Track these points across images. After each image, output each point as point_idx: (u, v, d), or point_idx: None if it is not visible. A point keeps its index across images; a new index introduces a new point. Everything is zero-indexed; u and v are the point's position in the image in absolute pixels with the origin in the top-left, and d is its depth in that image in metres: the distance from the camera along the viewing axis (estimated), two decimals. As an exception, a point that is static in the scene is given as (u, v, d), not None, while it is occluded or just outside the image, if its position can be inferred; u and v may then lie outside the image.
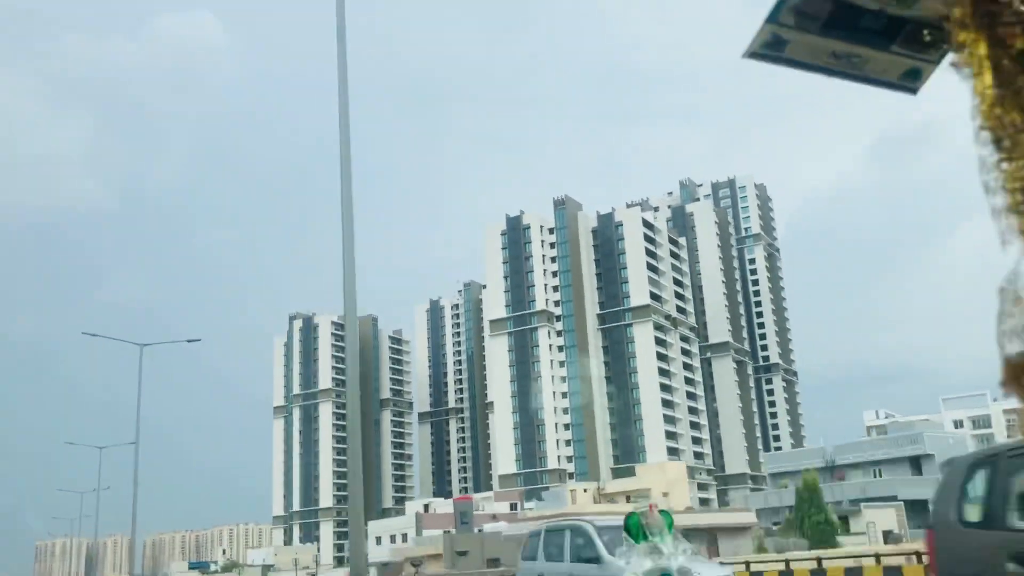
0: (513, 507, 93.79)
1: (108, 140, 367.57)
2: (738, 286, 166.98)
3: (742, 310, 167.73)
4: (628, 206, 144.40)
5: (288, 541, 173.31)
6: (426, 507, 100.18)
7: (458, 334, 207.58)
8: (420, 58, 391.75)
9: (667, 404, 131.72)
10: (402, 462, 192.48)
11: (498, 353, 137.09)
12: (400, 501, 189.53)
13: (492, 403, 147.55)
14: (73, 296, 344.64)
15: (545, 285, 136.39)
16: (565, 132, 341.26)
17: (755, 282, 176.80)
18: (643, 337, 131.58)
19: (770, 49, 1.69)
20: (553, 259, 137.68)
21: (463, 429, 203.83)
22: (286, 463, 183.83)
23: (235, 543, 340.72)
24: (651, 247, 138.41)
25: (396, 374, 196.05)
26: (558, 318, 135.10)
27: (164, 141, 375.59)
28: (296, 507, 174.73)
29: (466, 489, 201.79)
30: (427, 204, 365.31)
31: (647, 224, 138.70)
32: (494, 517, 76.23)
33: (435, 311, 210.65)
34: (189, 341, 44.18)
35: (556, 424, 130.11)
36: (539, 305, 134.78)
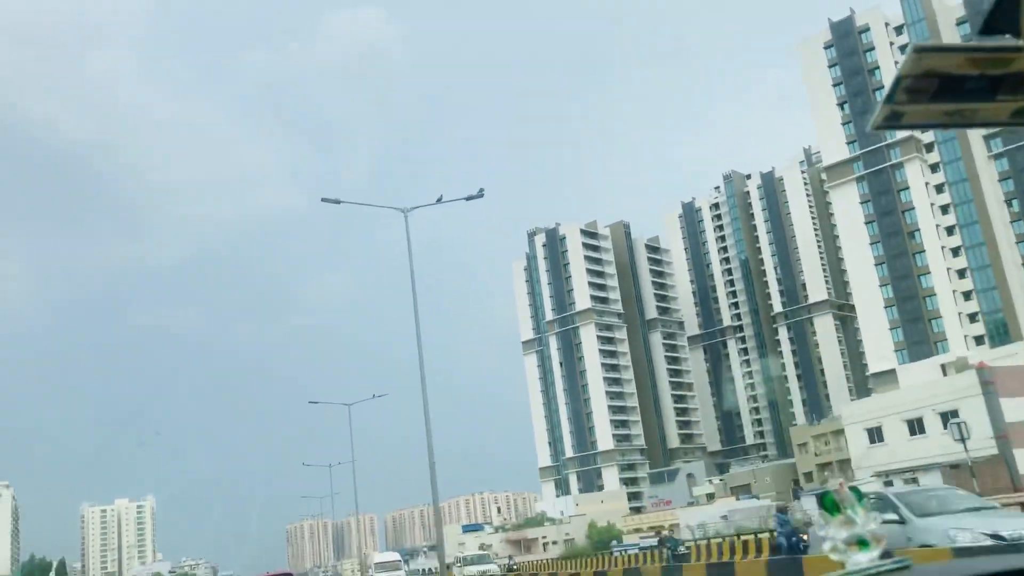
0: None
1: (297, 146, 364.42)
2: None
3: None
4: None
5: (562, 492, 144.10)
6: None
7: (723, 238, 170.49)
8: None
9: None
10: (682, 393, 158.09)
11: (846, 209, 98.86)
12: (687, 439, 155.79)
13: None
14: (293, 294, 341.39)
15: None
16: None
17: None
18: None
19: (890, 121, 1.77)
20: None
21: (745, 351, 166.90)
22: (547, 404, 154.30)
23: (472, 512, 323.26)
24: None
25: (659, 289, 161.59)
26: (928, 146, 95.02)
27: (349, 138, 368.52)
28: (570, 453, 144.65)
29: (760, 423, 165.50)
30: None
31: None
32: None
33: (690, 215, 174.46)
34: (469, 199, 33.49)
35: (954, 293, 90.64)
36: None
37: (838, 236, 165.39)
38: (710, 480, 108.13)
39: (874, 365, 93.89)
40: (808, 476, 69.63)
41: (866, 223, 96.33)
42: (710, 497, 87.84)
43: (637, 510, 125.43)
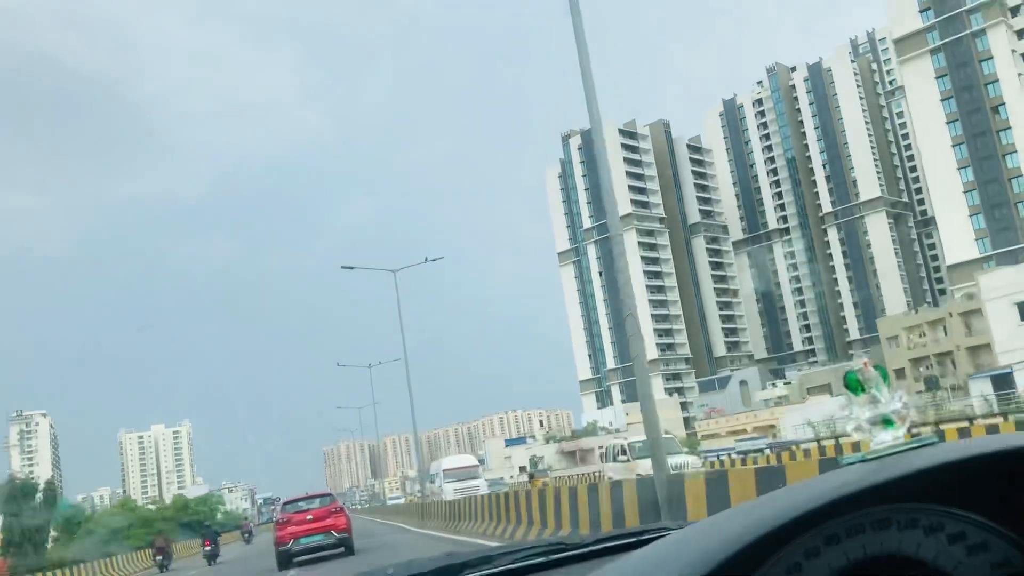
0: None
1: (317, 71, 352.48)
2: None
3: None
4: None
5: (604, 404, 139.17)
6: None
7: (767, 136, 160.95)
8: None
9: None
10: (728, 300, 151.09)
11: (918, 86, 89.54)
12: (733, 347, 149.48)
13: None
14: (321, 220, 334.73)
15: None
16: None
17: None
18: None
19: None
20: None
21: (792, 255, 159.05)
22: (586, 316, 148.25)
23: (507, 429, 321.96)
24: None
25: (702, 191, 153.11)
26: (1015, 9, 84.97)
27: (369, 61, 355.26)
28: (612, 364, 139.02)
29: (808, 328, 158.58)
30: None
31: None
32: None
33: (731, 112, 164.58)
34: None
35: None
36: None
37: (891, 129, 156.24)
38: (774, 383, 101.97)
39: (952, 255, 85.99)
40: (900, 372, 63.26)
41: (942, 100, 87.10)
42: (781, 400, 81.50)
43: (686, 421, 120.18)
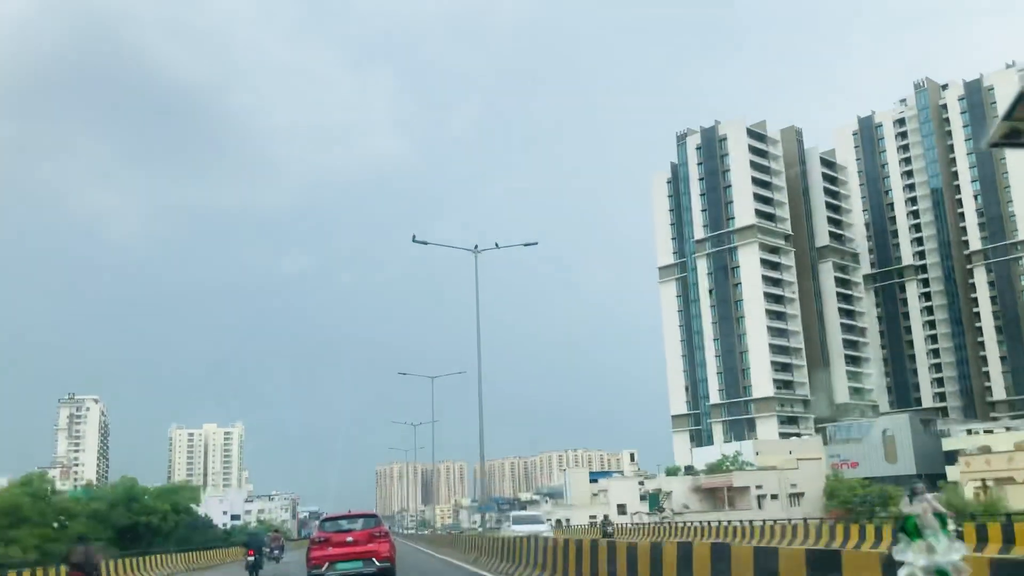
0: None
1: (408, 98, 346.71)
2: None
3: None
4: None
5: (701, 443, 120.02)
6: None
7: (907, 160, 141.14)
8: None
9: None
10: (854, 338, 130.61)
11: None
12: (855, 394, 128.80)
13: None
14: (395, 245, 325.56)
15: None
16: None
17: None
18: None
19: (1008, 139, 1.80)
20: None
21: (928, 296, 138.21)
22: (686, 341, 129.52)
23: (566, 468, 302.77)
24: None
25: (833, 211, 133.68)
26: None
27: (459, 90, 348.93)
28: (717, 399, 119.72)
29: (940, 383, 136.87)
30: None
31: None
32: None
33: (868, 132, 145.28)
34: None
35: None
36: None
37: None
38: (968, 431, 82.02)
39: None
40: None
41: None
42: (983, 450, 61.99)
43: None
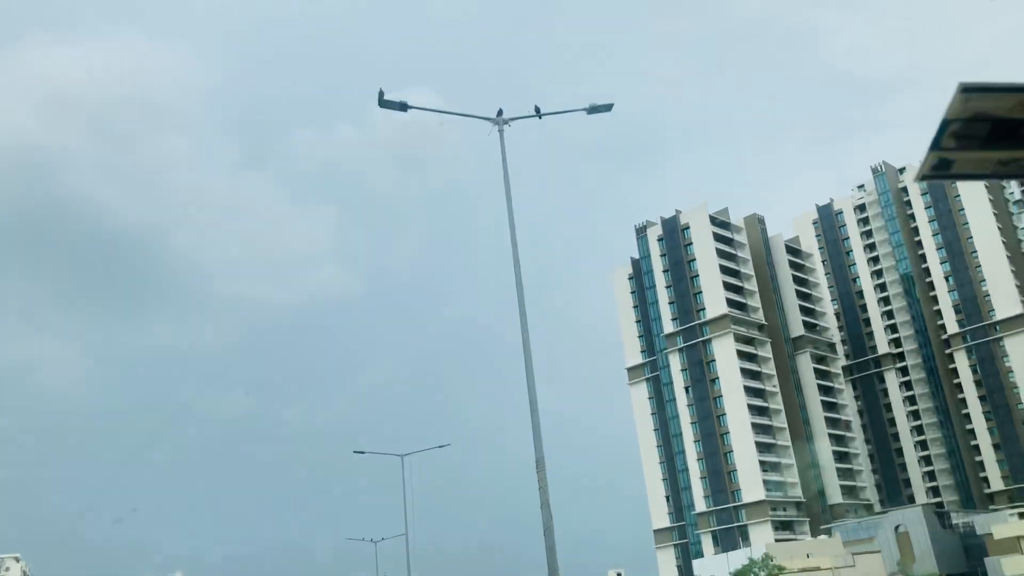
0: None
1: (350, 230, 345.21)
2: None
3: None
4: None
5: (690, 557, 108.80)
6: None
7: (872, 247, 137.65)
8: None
9: None
10: (839, 432, 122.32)
11: None
12: (848, 493, 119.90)
13: None
14: (342, 377, 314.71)
15: None
16: None
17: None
18: None
19: (938, 171, 1.72)
20: None
21: (908, 384, 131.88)
22: (664, 445, 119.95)
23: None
24: None
25: (804, 300, 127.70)
26: None
27: (401, 221, 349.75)
28: (703, 507, 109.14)
29: (931, 476, 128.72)
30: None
31: None
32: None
33: (828, 220, 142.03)
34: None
35: None
36: None
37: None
38: (1019, 512, 72.66)
39: None
40: None
41: None
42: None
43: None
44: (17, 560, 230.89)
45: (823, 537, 77.20)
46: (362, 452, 51.68)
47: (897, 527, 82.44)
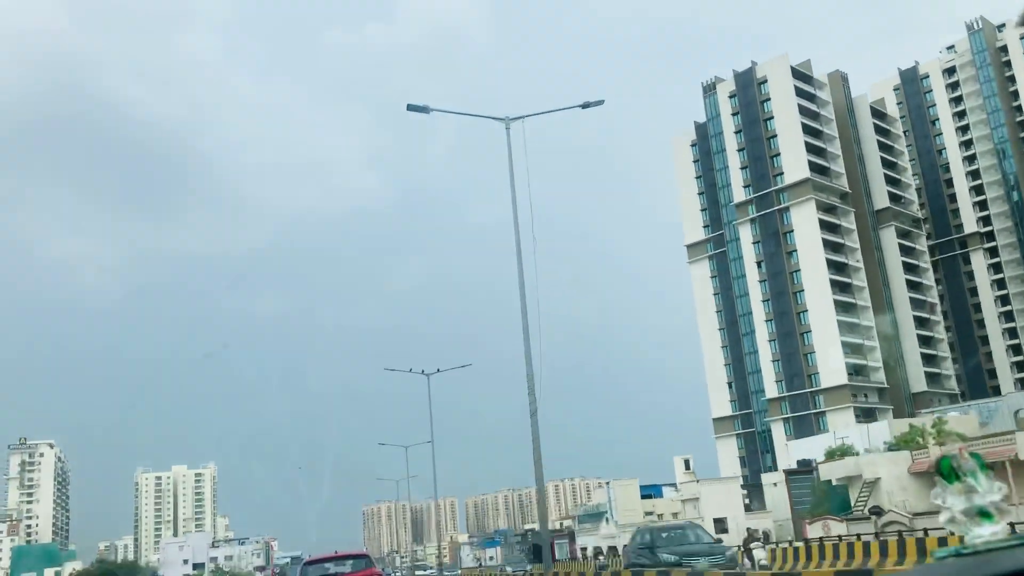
0: None
1: (383, 133, 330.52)
2: None
3: None
4: None
5: (757, 447, 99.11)
6: None
7: (961, 114, 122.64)
8: None
9: None
10: (925, 316, 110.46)
11: None
12: (932, 381, 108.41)
13: None
14: (374, 282, 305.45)
15: None
16: None
17: None
18: None
19: None
20: None
21: (998, 267, 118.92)
22: (728, 328, 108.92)
23: (562, 499, 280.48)
24: None
25: (889, 169, 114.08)
26: None
27: (432, 127, 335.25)
28: (775, 392, 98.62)
29: (1020, 367, 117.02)
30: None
31: None
32: None
33: (912, 85, 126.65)
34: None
35: None
36: None
37: None
38: None
39: None
40: None
41: None
42: None
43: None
44: (51, 446, 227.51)
45: (954, 414, 66.36)
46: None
47: (1017, 411, 71.33)
